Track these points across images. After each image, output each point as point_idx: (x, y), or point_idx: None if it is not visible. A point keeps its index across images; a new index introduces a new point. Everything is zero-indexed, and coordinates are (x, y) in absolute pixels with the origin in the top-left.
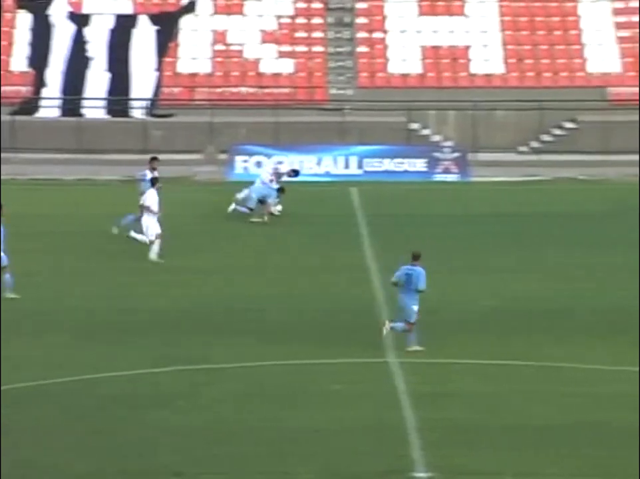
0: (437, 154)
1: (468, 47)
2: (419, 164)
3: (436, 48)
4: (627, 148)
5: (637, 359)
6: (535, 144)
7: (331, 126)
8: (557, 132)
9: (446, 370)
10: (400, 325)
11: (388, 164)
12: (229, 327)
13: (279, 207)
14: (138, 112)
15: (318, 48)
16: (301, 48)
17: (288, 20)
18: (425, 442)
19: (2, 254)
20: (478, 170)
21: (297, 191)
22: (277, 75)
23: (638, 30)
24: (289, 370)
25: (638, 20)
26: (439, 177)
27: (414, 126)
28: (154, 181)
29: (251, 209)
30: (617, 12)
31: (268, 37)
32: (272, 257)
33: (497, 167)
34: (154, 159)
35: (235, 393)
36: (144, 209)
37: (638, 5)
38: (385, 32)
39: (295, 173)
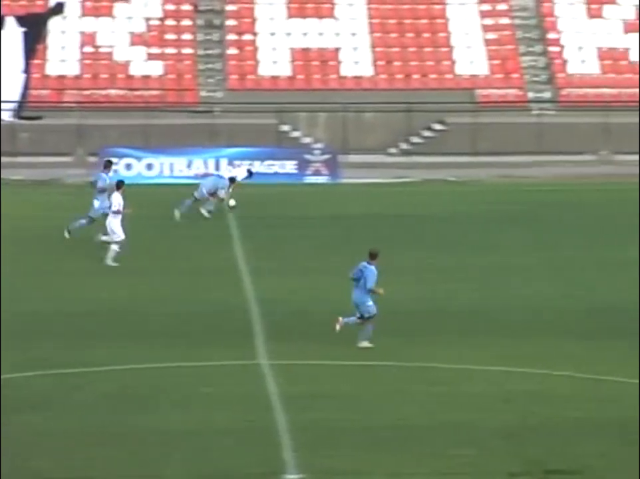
0: (307, 156)
1: (337, 49)
2: (289, 166)
3: (305, 50)
4: (496, 149)
5: (501, 359)
6: (404, 146)
7: (201, 128)
8: (427, 133)
9: (317, 372)
10: (352, 319)
11: (258, 166)
12: (100, 330)
13: (233, 202)
14: (5, 115)
15: (187, 51)
16: (171, 51)
17: (157, 23)
18: (296, 443)
19: None
20: (348, 172)
21: (168, 193)
22: (146, 77)
23: (505, 32)
24: (160, 372)
25: (505, 22)
26: (309, 179)
27: (285, 128)
28: (119, 185)
29: (196, 199)
30: (484, 14)
31: (137, 39)
32: (142, 260)
33: (367, 169)
34: (109, 162)
35: (106, 396)
36: (115, 213)
37: (505, 8)
38: (255, 34)
39: (250, 173)
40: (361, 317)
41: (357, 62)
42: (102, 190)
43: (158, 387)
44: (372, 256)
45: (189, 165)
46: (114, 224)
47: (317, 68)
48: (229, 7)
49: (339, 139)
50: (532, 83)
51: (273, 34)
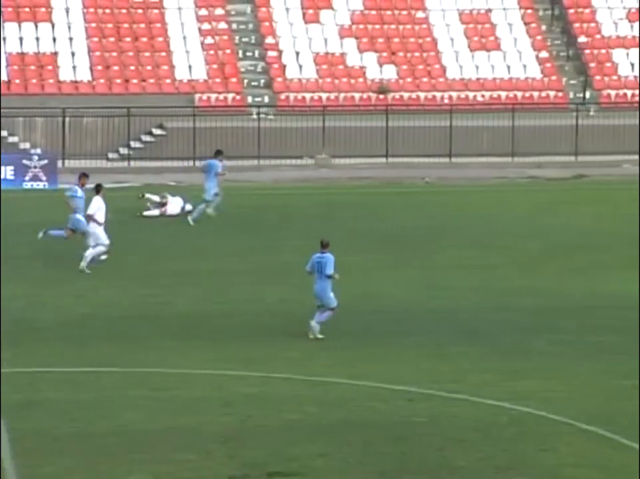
0: (25, 161)
1: (55, 54)
2: (7, 172)
3: (22, 55)
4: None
5: (221, 362)
6: (124, 151)
7: None
8: (147, 138)
9: (36, 379)
10: (325, 315)
11: None
12: None
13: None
14: None
15: None
16: None
17: None
18: (16, 451)
19: None
20: (67, 177)
21: None
22: None
23: (223, 37)
24: None
25: (223, 27)
26: (28, 185)
27: (2, 133)
28: (98, 189)
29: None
30: (202, 19)
31: None
32: None
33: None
34: (84, 175)
35: None
36: (89, 218)
37: (222, 12)
38: None
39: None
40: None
41: (75, 66)
42: (75, 210)
43: None
44: (325, 245)
45: None
46: (98, 230)
47: (34, 73)
48: None
49: (58, 144)
50: (251, 87)
51: None
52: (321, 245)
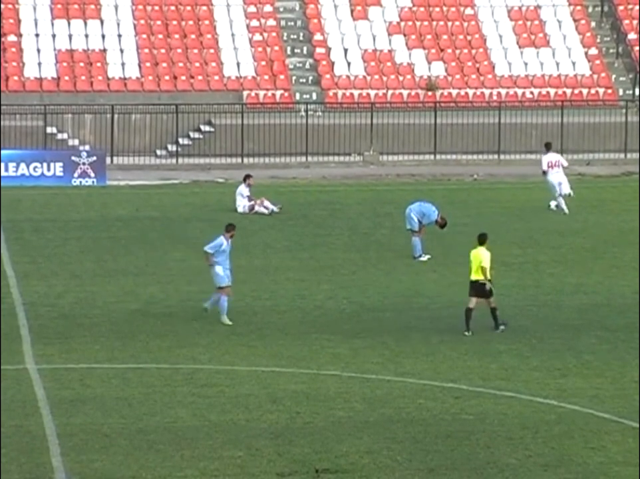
0: (74, 158)
1: (104, 51)
2: (56, 169)
3: (71, 52)
4: (263, 150)
5: (269, 359)
6: (172, 148)
7: None
8: (195, 135)
9: (85, 375)
10: None
11: (24, 169)
12: None
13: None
14: None
15: None
16: None
17: None
18: (65, 448)
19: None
20: (116, 174)
21: None
22: None
23: (271, 34)
24: None
25: (271, 24)
26: (76, 182)
27: (51, 129)
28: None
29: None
30: (250, 16)
31: None
32: None
33: (135, 171)
34: None
35: None
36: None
37: (271, 9)
38: (20, 35)
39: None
40: None
41: (124, 63)
42: None
43: None
44: None
45: None
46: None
47: (83, 70)
48: None
49: (106, 141)
50: (299, 84)
51: (37, 35)
52: None
